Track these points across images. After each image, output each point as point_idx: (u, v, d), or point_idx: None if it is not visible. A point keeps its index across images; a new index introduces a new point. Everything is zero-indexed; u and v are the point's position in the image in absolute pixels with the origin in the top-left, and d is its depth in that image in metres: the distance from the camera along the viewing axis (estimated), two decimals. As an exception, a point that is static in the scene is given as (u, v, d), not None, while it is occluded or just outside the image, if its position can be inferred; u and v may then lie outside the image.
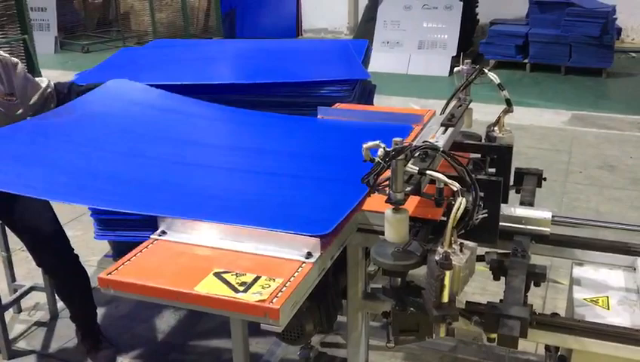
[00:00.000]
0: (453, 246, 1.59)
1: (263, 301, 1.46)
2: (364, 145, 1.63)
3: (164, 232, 1.80)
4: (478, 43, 8.94)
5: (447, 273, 1.49)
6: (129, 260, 1.67)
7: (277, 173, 2.25)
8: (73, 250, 2.86)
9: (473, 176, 1.81)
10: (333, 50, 3.93)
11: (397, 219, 1.59)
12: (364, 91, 3.50)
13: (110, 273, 1.61)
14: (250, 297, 1.48)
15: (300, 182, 2.19)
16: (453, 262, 1.51)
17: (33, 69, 6.52)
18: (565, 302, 2.90)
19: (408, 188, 1.64)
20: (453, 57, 8.53)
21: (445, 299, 1.52)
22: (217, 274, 1.58)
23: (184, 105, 2.91)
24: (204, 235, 1.75)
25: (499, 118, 2.47)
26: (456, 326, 1.69)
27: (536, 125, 6.36)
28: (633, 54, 9.49)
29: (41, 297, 3.40)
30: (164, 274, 1.59)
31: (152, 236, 1.80)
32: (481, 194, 1.82)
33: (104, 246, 3.92)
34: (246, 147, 2.57)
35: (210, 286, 1.53)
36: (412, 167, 1.66)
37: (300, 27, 11.34)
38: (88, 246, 3.96)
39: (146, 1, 10.23)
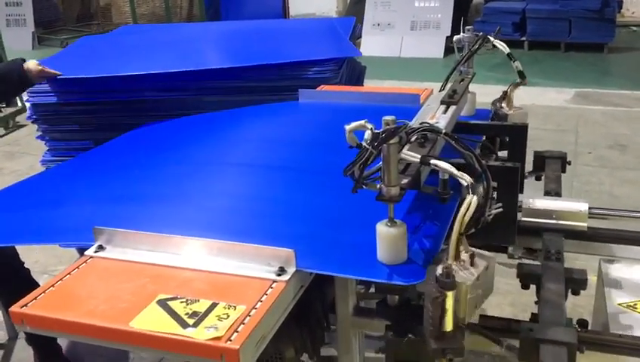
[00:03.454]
0: (463, 257, 1.23)
1: (219, 338, 1.11)
2: (347, 127, 1.26)
3: (101, 247, 1.44)
4: (473, 22, 8.56)
5: (450, 294, 1.13)
6: (52, 286, 1.31)
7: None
8: (23, 263, 2.50)
9: (484, 162, 1.47)
10: (317, 28, 3.57)
11: (393, 236, 1.24)
12: (352, 73, 3.15)
13: (25, 305, 1.26)
14: (201, 334, 1.12)
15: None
16: (458, 280, 1.16)
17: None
18: (584, 299, 2.57)
19: (405, 181, 1.29)
20: (447, 37, 8.17)
21: (448, 327, 1.16)
22: (162, 302, 1.22)
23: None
24: (150, 250, 1.39)
25: (506, 92, 2.14)
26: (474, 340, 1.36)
27: (539, 105, 6.01)
28: (634, 28, 9.16)
29: (-3, 315, 3.04)
30: (94, 305, 1.24)
31: (86, 253, 1.45)
32: (494, 184, 1.50)
33: (72, 254, 3.56)
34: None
35: (150, 320, 1.17)
36: (409, 154, 1.30)
37: (287, 13, 10.94)
38: (55, 254, 3.61)
39: (127, -8, 9.84)
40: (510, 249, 1.72)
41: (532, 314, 1.43)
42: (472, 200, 1.18)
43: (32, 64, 2.55)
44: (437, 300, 1.12)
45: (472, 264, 1.22)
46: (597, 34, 7.86)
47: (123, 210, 1.67)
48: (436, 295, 1.12)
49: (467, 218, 1.17)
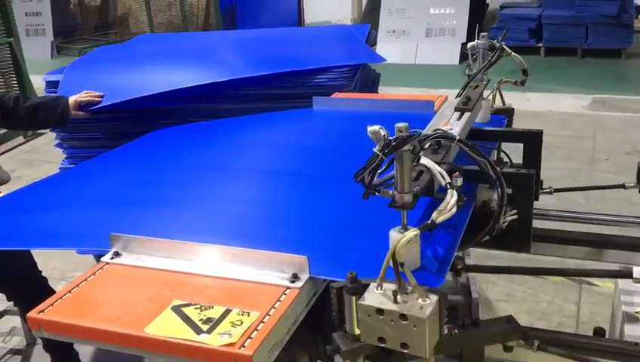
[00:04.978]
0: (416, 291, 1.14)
1: (232, 344, 1.11)
2: (370, 128, 1.21)
3: (117, 254, 1.46)
4: (489, 28, 8.53)
5: (353, 298, 1.15)
6: (69, 292, 1.33)
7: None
8: (41, 272, 2.54)
9: (498, 169, 1.47)
10: (332, 35, 3.59)
11: (405, 244, 1.23)
12: (367, 80, 3.16)
13: (43, 310, 1.27)
14: (215, 340, 1.13)
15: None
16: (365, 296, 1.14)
17: (21, 73, 6.23)
18: (601, 307, 2.53)
19: (417, 188, 1.29)
20: (462, 44, 8.15)
21: (353, 330, 1.17)
22: (176, 308, 1.23)
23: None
24: (165, 257, 1.40)
25: (496, 91, 2.19)
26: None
27: (555, 111, 5.98)
28: (653, 33, 9.05)
29: (16, 321, 3.07)
30: (109, 311, 1.25)
31: (103, 259, 1.46)
32: (509, 191, 1.50)
33: (89, 261, 3.59)
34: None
35: (165, 326, 1.18)
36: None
37: (302, 21, 11.00)
38: (73, 260, 3.65)
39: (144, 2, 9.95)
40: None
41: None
42: (409, 235, 1.15)
43: (71, 99, 2.61)
44: (333, 289, 1.19)
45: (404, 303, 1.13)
46: (614, 40, 7.80)
47: (137, 215, 1.69)
48: (333, 285, 1.19)
49: (401, 249, 1.13)
